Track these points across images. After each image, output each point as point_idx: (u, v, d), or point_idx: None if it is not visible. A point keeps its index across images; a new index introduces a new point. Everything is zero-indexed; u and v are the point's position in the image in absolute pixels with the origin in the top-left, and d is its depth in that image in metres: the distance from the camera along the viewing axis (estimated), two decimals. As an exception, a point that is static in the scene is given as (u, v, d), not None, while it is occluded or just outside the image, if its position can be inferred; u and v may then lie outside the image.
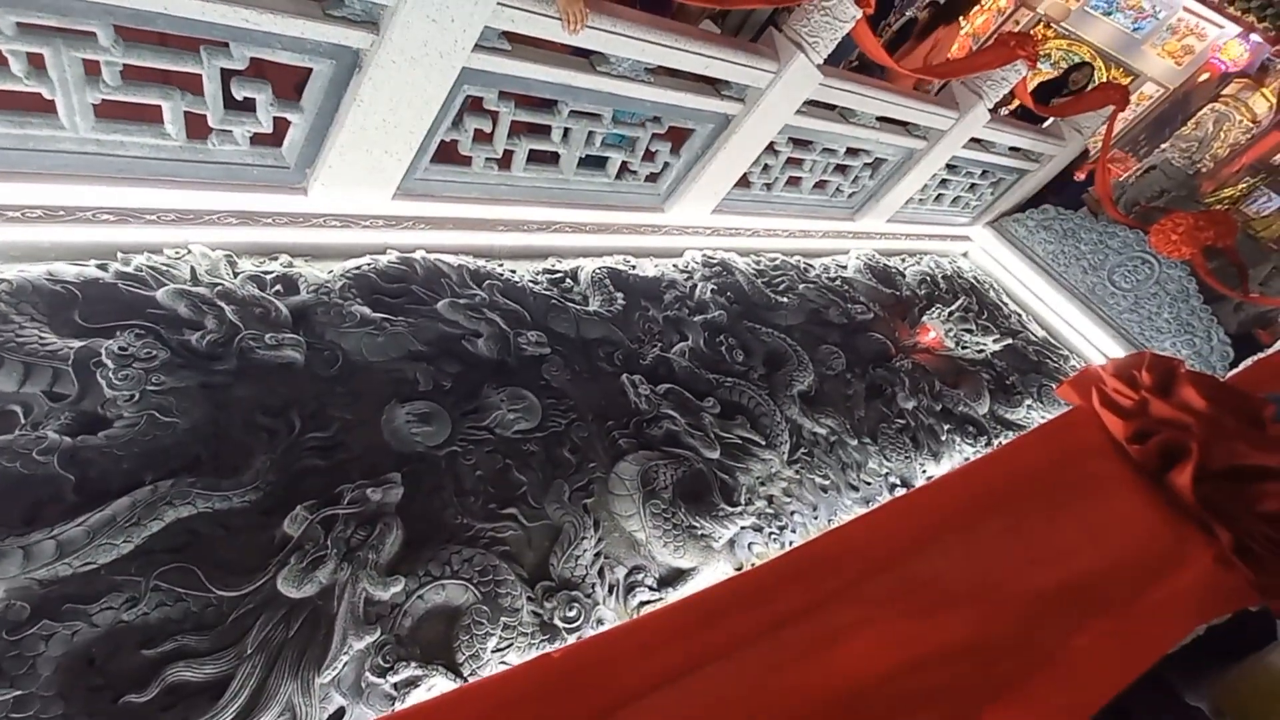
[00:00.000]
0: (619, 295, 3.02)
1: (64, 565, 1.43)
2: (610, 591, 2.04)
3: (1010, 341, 4.48)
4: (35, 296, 1.81)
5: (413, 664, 1.63)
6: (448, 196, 2.82)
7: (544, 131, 2.85)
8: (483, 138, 2.72)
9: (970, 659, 0.67)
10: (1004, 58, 4.05)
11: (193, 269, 2.11)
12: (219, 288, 2.08)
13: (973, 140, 4.68)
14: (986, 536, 0.80)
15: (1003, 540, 0.81)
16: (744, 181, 3.76)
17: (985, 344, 4.17)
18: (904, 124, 4.20)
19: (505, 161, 2.87)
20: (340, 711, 1.55)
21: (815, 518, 2.64)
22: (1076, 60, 9.69)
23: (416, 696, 1.61)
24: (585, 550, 2.05)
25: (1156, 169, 6.71)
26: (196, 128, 2.15)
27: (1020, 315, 5.28)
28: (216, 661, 1.46)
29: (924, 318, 4.22)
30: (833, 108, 3.76)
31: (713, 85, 3.13)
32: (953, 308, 4.21)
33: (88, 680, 1.35)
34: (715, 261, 3.65)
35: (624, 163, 3.24)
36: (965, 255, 5.83)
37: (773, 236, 4.19)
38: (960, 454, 3.36)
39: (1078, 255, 5.61)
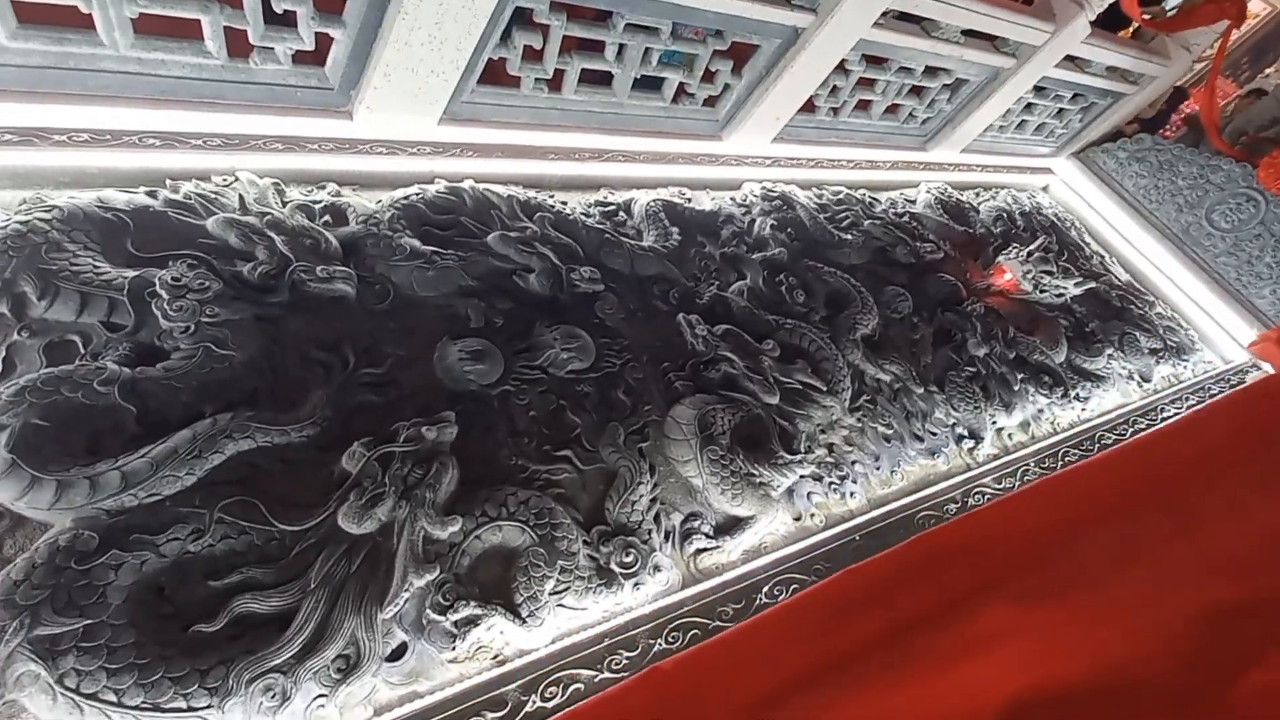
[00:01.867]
0: (674, 230, 2.85)
1: (129, 496, 1.43)
2: (667, 538, 1.99)
3: (1092, 285, 4.13)
4: (87, 224, 1.77)
5: (472, 603, 1.62)
6: (496, 122, 2.66)
7: (597, 48, 2.64)
8: (532, 55, 2.52)
9: (1128, 695, 0.56)
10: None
11: (241, 197, 2.04)
12: (268, 217, 2.01)
13: (1067, 58, 4.20)
14: (1154, 535, 0.67)
15: (1173, 542, 0.68)
16: (808, 106, 3.47)
17: (1065, 287, 3.85)
18: (992, 39, 3.77)
19: (556, 82, 2.68)
20: (402, 647, 1.55)
21: (877, 468, 2.52)
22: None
23: (476, 635, 1.61)
24: (641, 495, 1.99)
25: (1269, 95, 5.98)
26: (238, 45, 2.04)
27: (1103, 257, 4.88)
28: (281, 595, 1.47)
29: (999, 258, 3.91)
30: (915, 20, 3.39)
31: (784, -6, 2.83)
32: (1031, 247, 3.88)
33: (158, 609, 1.37)
34: (775, 194, 3.42)
35: (681, 85, 3.00)
36: (1045, 190, 5.37)
37: (837, 168, 3.90)
38: (1034, 405, 3.15)
39: (1173, 191, 5.10)
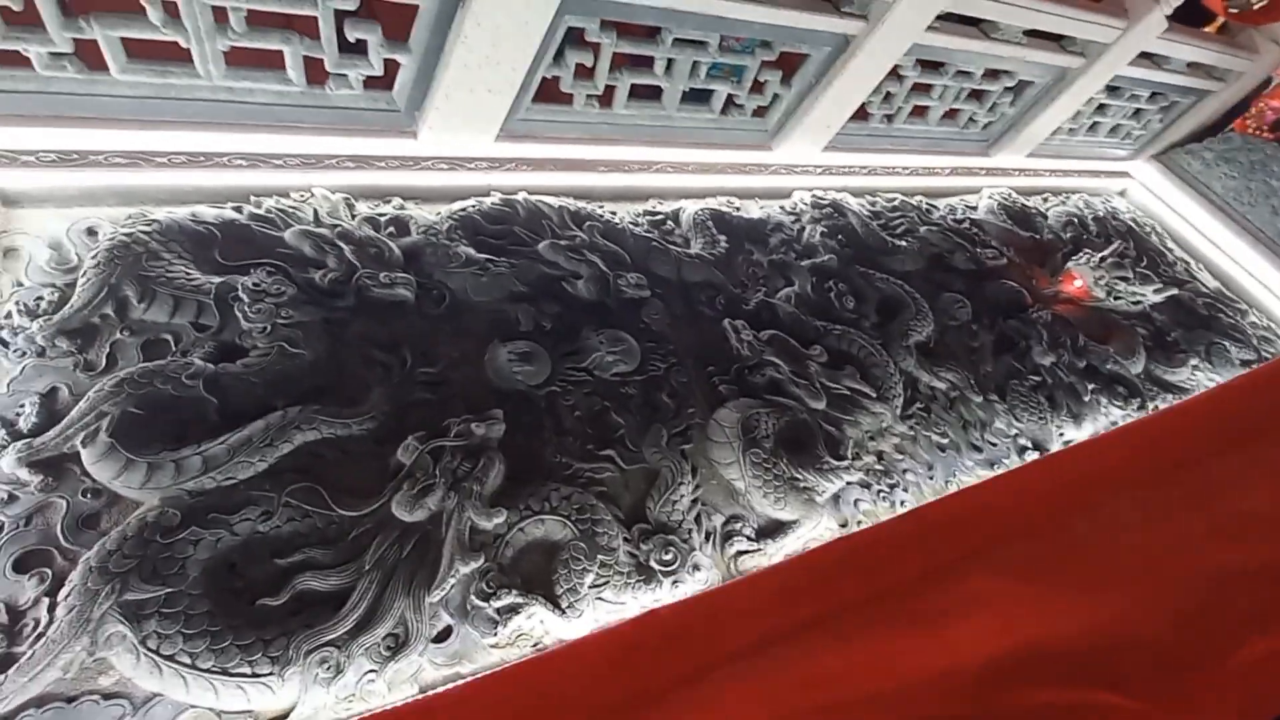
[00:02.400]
0: (722, 238, 2.88)
1: (209, 479, 1.57)
2: (707, 538, 1.99)
3: (1175, 293, 3.88)
4: (181, 236, 1.96)
5: (514, 592, 1.68)
6: (549, 137, 2.77)
7: (646, 64, 2.72)
8: (584, 73, 2.63)
9: (1119, 654, 0.54)
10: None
11: (315, 211, 2.21)
12: (339, 229, 2.17)
13: (1142, 55, 3.99)
14: (1161, 505, 0.65)
15: (1180, 511, 0.65)
16: (861, 113, 3.44)
17: (1144, 294, 3.64)
18: (1057, 38, 3.64)
19: (606, 98, 2.78)
20: (447, 630, 1.62)
21: (930, 477, 2.44)
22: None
23: (517, 623, 1.66)
24: (682, 495, 2.01)
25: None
26: (315, 73, 2.22)
27: (1188, 263, 4.57)
28: (339, 574, 1.57)
29: (1068, 264, 3.73)
30: (973, 22, 3.31)
31: (831, 1, 2.84)
32: (1105, 253, 3.69)
33: (229, 583, 1.49)
34: (826, 202, 3.40)
35: (730, 96, 3.04)
36: (1122, 194, 5.09)
37: (891, 175, 3.83)
38: (1107, 417, 2.98)
39: (1267, 192, 4.73)
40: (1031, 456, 2.69)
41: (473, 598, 1.65)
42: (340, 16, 2.08)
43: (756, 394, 2.35)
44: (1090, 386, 3.06)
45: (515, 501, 1.81)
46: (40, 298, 1.75)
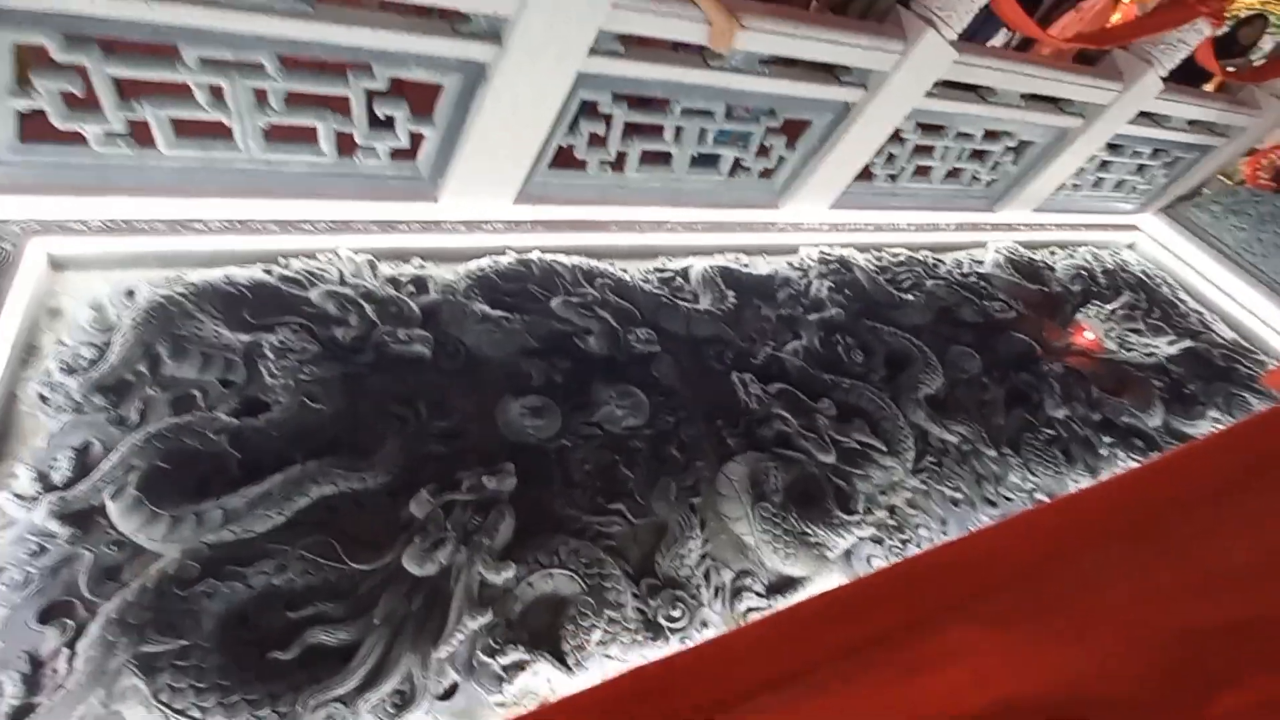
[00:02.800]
0: (730, 293, 2.95)
1: (228, 532, 1.62)
2: (716, 594, 1.98)
3: (1190, 344, 3.87)
4: (214, 297, 2.07)
5: (521, 648, 1.67)
6: (563, 199, 2.91)
7: (656, 132, 2.86)
8: (597, 141, 2.77)
9: (1094, 708, 0.55)
10: (1182, 17, 3.52)
11: (340, 272, 2.33)
12: (362, 288, 2.28)
13: (1142, 115, 4.11)
14: (1138, 559, 0.66)
15: (1156, 566, 0.66)
16: (865, 174, 3.55)
17: (1157, 346, 3.63)
18: (1054, 100, 3.77)
19: (618, 163, 2.92)
20: (453, 687, 1.62)
21: (944, 532, 2.41)
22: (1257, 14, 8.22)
23: (523, 680, 1.65)
24: (691, 550, 2.01)
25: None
26: (345, 145, 2.37)
27: (1202, 314, 4.55)
28: (349, 628, 1.59)
29: (1078, 316, 3.75)
30: (970, 87, 3.45)
31: (831, 72, 2.99)
32: (1114, 305, 3.71)
33: (241, 635, 1.52)
34: (833, 258, 3.48)
35: (737, 159, 3.18)
36: (1131, 247, 5.13)
37: (896, 231, 3.92)
38: (1124, 470, 2.93)
39: (1279, 243, 4.75)
40: (1048, 512, 2.65)
41: (479, 654, 1.65)
42: (371, 95, 2.24)
43: (765, 448, 2.37)
44: (1106, 440, 3.03)
45: (524, 555, 1.83)
46: (80, 355, 1.85)
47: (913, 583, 0.65)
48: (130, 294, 2.04)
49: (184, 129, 2.13)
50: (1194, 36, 3.72)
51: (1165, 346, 3.64)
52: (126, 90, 1.99)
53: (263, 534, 1.65)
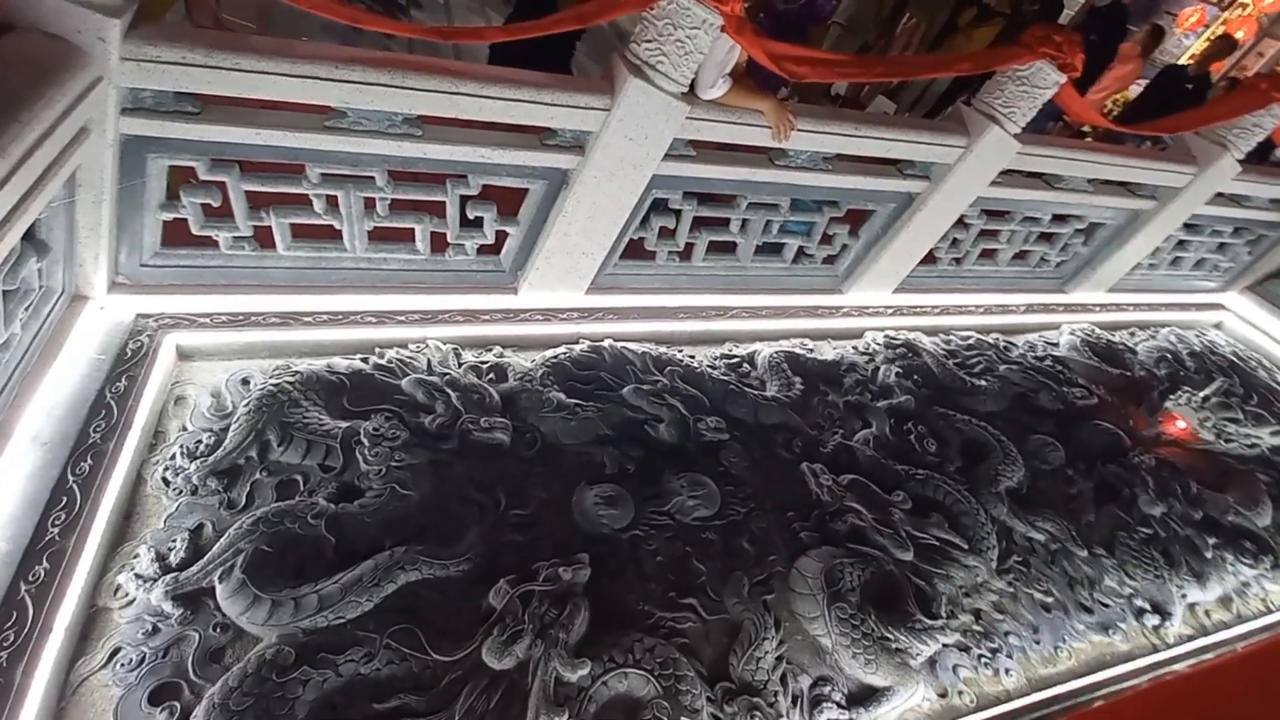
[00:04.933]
0: (797, 379, 2.97)
1: (321, 617, 1.69)
2: (794, 703, 1.90)
3: (1296, 433, 3.60)
4: (318, 385, 2.24)
5: (597, 752, 1.64)
6: (633, 288, 3.03)
7: (723, 224, 2.99)
8: (666, 234, 2.92)
9: None
10: (1254, 103, 3.49)
11: (428, 360, 2.47)
12: (447, 376, 2.42)
13: (1219, 195, 4.01)
14: None
15: None
16: (929, 258, 3.58)
17: (1259, 436, 3.40)
18: (1124, 184, 3.74)
19: (686, 254, 3.04)
20: (530, 792, 1.59)
21: (1037, 641, 2.26)
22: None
23: (599, 788, 1.61)
24: (766, 652, 1.95)
25: None
26: (438, 243, 2.58)
27: (1308, 400, 4.24)
28: (430, 724, 1.60)
29: (1167, 403, 3.56)
30: (1036, 174, 3.47)
31: (894, 165, 3.07)
32: (1207, 391, 3.52)
33: (332, 726, 1.55)
34: (899, 342, 3.46)
35: (801, 247, 3.26)
36: (1218, 326, 4.89)
37: (964, 314, 3.88)
38: (1236, 576, 2.70)
39: (1387, 323, 4.43)
40: (1152, 621, 2.45)
41: (557, 756, 1.63)
42: (464, 200, 2.45)
43: (839, 542, 2.31)
44: (1212, 541, 2.81)
45: (599, 651, 1.82)
46: (199, 441, 2.02)
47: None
48: (245, 382, 2.22)
49: (299, 232, 2.37)
50: (1270, 120, 3.67)
51: (1269, 437, 3.40)
52: (255, 200, 2.24)
53: (353, 620, 1.71)
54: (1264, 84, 3.55)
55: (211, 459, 1.96)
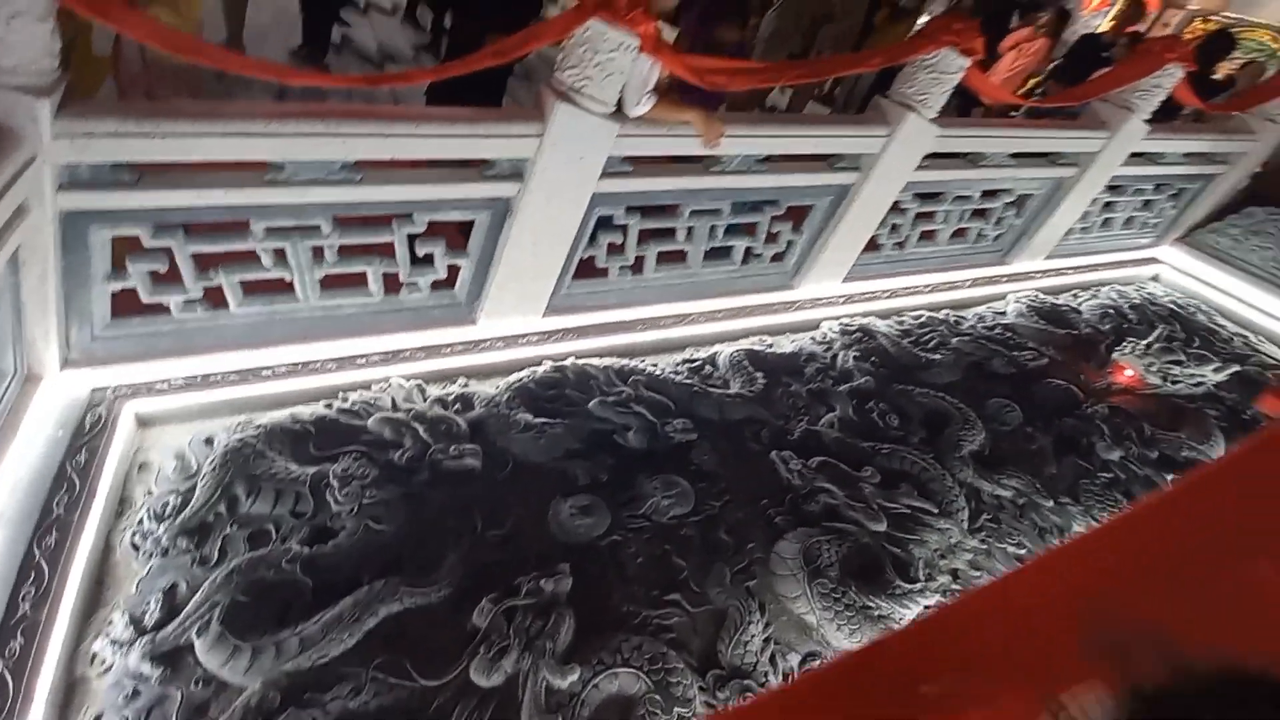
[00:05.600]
0: (759, 374, 3.05)
1: (305, 659, 1.69)
2: (785, 680, 1.94)
3: (1238, 369, 3.77)
4: (282, 435, 2.25)
5: (594, 755, 1.65)
6: (590, 306, 3.10)
7: (669, 234, 3.09)
8: (615, 250, 3.00)
9: None
10: (1150, 66, 3.72)
11: (393, 399, 2.50)
12: (413, 411, 2.45)
13: (1134, 156, 4.25)
14: (1147, 601, 0.69)
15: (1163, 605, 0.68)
16: (872, 245, 3.71)
17: (1203, 375, 3.55)
18: (1044, 155, 3.94)
19: (637, 267, 3.13)
20: (531, 802, 1.60)
21: (1014, 593, 2.32)
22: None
23: (600, 790, 1.62)
24: (753, 635, 1.99)
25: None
26: (391, 284, 2.63)
27: (1246, 337, 4.45)
28: (424, 750, 1.60)
29: (1114, 355, 3.72)
30: (960, 155, 3.65)
31: (825, 160, 3.22)
32: (1149, 339, 3.68)
33: (323, 763, 1.55)
34: (854, 328, 3.58)
35: (748, 248, 3.37)
36: (1155, 279, 5.11)
37: (913, 294, 4.02)
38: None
39: (1309, 256, 4.69)
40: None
41: (554, 764, 1.64)
42: (413, 238, 2.51)
43: (814, 522, 2.37)
44: (1169, 476, 2.93)
45: (587, 656, 1.84)
46: (166, 503, 2.02)
47: (928, 640, 0.69)
48: (209, 441, 2.22)
49: (251, 288, 2.40)
50: (1168, 81, 3.91)
51: (1212, 374, 3.57)
52: (202, 262, 2.27)
53: (337, 658, 1.71)
54: (1158, 47, 3.80)
55: (180, 519, 1.96)
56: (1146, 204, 4.87)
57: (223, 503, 2.03)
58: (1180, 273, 5.01)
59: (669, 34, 2.75)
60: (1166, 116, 4.57)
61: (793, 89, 6.86)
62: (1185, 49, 3.78)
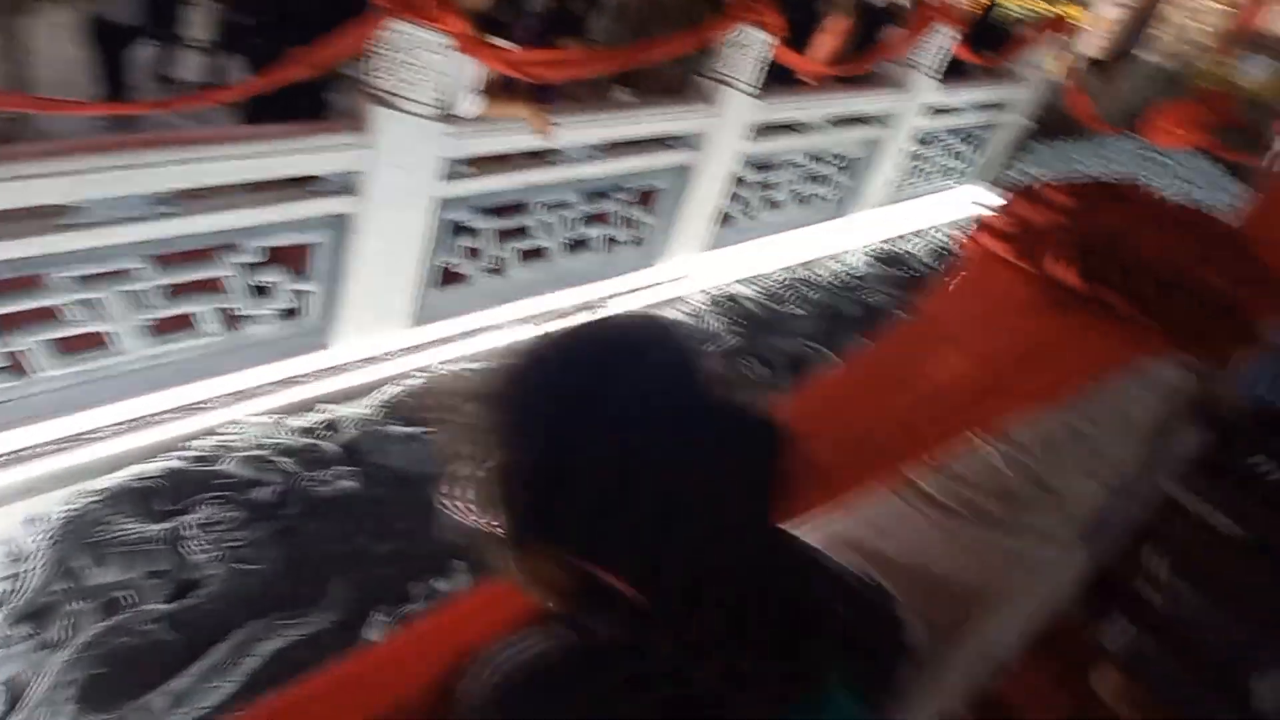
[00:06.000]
0: (634, 350, 3.13)
1: (180, 714, 1.56)
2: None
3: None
4: (126, 496, 2.07)
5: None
6: (459, 311, 3.06)
7: (525, 232, 3.11)
8: (473, 253, 2.99)
9: None
10: (922, 25, 4.21)
11: (250, 437, 2.36)
12: (276, 445, 2.32)
13: (935, 111, 4.77)
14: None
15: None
16: (725, 218, 3.93)
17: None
18: (860, 119, 4.34)
19: (500, 267, 3.13)
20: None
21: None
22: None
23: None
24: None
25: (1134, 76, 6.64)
26: (232, 319, 2.47)
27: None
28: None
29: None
30: (787, 126, 3.94)
31: (661, 143, 3.37)
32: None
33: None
34: (722, 295, 3.77)
35: (609, 235, 3.46)
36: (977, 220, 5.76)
37: (771, 259, 4.29)
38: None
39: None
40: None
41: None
42: (248, 268, 2.37)
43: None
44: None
45: (494, 644, 1.83)
46: (-5, 594, 1.80)
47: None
48: (36, 520, 2.00)
49: (67, 346, 2.18)
50: (947, 41, 4.44)
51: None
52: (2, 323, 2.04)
53: (218, 706, 1.60)
54: (929, 11, 4.30)
55: (14, 607, 1.75)
56: (956, 155, 5.48)
57: (62, 580, 1.84)
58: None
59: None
60: (959, 75, 5.19)
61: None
62: (952, 11, 4.31)
